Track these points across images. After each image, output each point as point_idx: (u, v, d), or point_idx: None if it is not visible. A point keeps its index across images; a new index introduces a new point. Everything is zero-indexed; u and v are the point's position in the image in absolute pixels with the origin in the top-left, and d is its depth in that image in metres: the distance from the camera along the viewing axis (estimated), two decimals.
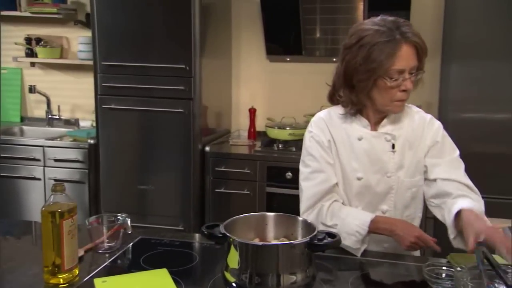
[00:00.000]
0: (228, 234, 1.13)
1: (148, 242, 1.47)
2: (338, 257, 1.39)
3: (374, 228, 1.39)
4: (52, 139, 3.05)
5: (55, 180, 2.93)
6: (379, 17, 1.41)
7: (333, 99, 1.53)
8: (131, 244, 1.45)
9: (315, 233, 1.13)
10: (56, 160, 2.97)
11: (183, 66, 2.72)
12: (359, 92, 1.41)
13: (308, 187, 1.47)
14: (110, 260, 1.35)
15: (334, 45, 2.97)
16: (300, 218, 1.25)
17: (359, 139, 1.46)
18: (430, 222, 2.57)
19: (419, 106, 2.90)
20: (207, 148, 2.82)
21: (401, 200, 1.49)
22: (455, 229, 1.35)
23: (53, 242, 1.17)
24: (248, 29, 3.18)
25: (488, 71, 2.41)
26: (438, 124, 1.52)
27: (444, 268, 1.24)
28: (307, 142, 1.51)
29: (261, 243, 1.16)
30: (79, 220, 1.28)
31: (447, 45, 2.45)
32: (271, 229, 1.25)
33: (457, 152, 1.51)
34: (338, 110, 1.51)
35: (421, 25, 2.85)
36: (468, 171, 2.65)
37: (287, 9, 2.92)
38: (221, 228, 1.16)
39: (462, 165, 1.50)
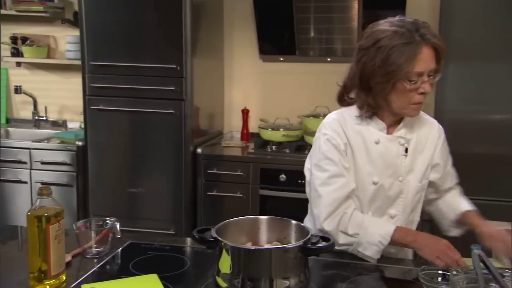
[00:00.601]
0: (219, 238, 1.13)
1: (137, 246, 1.47)
2: (332, 261, 1.39)
3: (396, 238, 1.39)
4: (39, 141, 3.03)
5: (42, 183, 2.91)
6: (396, 18, 1.39)
7: (342, 100, 1.51)
8: (120, 249, 1.45)
9: (308, 236, 1.13)
10: (43, 163, 2.95)
11: (174, 66, 2.71)
12: (376, 94, 1.40)
13: (328, 192, 1.42)
14: (98, 266, 1.34)
15: (329, 45, 2.98)
16: (293, 222, 1.25)
17: (376, 143, 1.45)
18: (426, 225, 2.58)
19: None
20: (199, 150, 2.81)
21: (409, 204, 1.51)
22: (453, 222, 1.56)
23: (39, 248, 1.17)
24: (240, 28, 3.18)
25: (484, 72, 2.43)
26: (442, 129, 1.57)
27: (440, 272, 1.25)
28: (324, 146, 1.45)
29: (253, 247, 1.16)
30: (67, 225, 1.27)
31: None
32: (263, 233, 1.26)
33: (451, 159, 1.61)
34: (351, 111, 1.48)
35: None
36: (465, 173, 2.66)
37: (281, 7, 2.93)
38: (213, 232, 1.16)
39: (454, 173, 1.64)
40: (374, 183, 1.45)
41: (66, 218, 1.24)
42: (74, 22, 3.26)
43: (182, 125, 2.76)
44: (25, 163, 2.97)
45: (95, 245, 1.38)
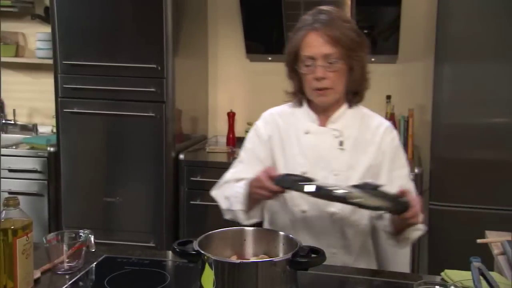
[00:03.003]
0: (202, 251, 1.13)
1: (114, 261, 1.45)
2: (323, 275, 1.39)
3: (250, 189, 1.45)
4: (7, 146, 3.00)
5: (10, 192, 2.87)
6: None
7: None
8: (95, 263, 1.43)
9: (297, 249, 1.13)
10: (11, 171, 2.92)
11: (154, 66, 2.71)
12: (290, 80, 1.58)
13: (229, 172, 1.61)
14: (70, 282, 1.32)
15: None
16: (281, 233, 1.25)
17: (306, 133, 1.56)
18: (424, 235, 2.60)
19: (411, 110, 2.95)
20: (181, 156, 2.81)
21: None
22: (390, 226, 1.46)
23: (5, 263, 1.15)
24: (226, 26, 3.19)
25: (485, 71, 2.45)
26: (395, 133, 1.60)
27: (437, 286, 1.25)
28: (249, 133, 1.66)
29: (238, 261, 1.16)
30: (37, 238, 1.26)
31: (441, 43, 2.50)
32: (249, 245, 1.26)
33: (406, 170, 1.58)
34: (290, 105, 1.64)
35: (412, 21, 2.90)
36: (463, 180, 2.68)
37: (269, 3, 2.94)
38: (195, 245, 1.16)
39: (407, 185, 1.52)
40: (303, 173, 1.49)
41: (36, 230, 1.23)
42: (45, 17, 3.24)
43: (163, 129, 2.75)
44: None
45: (67, 260, 1.37)
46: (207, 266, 1.12)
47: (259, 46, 3.13)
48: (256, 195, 1.40)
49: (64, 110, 2.82)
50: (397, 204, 1.27)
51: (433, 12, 2.57)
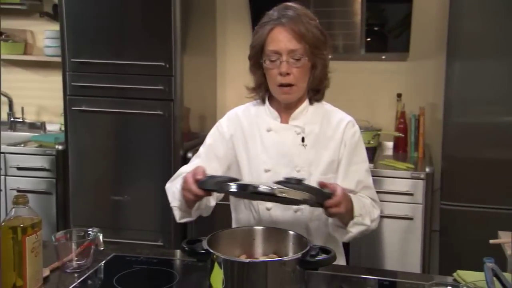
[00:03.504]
0: (211, 250, 1.14)
1: (122, 259, 1.46)
2: (329, 275, 1.39)
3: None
4: (15, 144, 3.02)
5: (18, 191, 2.90)
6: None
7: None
8: (104, 262, 1.44)
9: (307, 248, 1.13)
10: (19, 169, 2.94)
11: (163, 63, 2.72)
12: (253, 75, 1.57)
13: (184, 166, 1.62)
14: (79, 281, 1.33)
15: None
16: (291, 232, 1.25)
17: (268, 131, 1.57)
18: (435, 235, 2.60)
19: (422, 108, 2.93)
20: (190, 155, 2.81)
21: None
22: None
23: (14, 261, 1.16)
24: (235, 22, 3.19)
25: (498, 70, 2.43)
26: (357, 128, 1.60)
27: (449, 287, 1.25)
28: (212, 130, 1.67)
29: (247, 260, 1.16)
30: (45, 236, 1.27)
31: (453, 41, 2.48)
32: (259, 245, 1.26)
33: (365, 165, 1.58)
34: (254, 104, 1.65)
35: (424, 18, 2.89)
36: (476, 179, 2.66)
37: (277, 1, 2.93)
38: (204, 244, 1.16)
39: (365, 180, 1.55)
40: (266, 171, 1.52)
41: (44, 228, 1.24)
42: (54, 15, 3.25)
43: (171, 127, 2.76)
44: None
45: (76, 258, 1.38)
46: (216, 265, 1.12)
47: None
48: (184, 196, 1.40)
49: (73, 108, 2.84)
50: (320, 196, 1.29)
51: (445, 9, 2.54)
